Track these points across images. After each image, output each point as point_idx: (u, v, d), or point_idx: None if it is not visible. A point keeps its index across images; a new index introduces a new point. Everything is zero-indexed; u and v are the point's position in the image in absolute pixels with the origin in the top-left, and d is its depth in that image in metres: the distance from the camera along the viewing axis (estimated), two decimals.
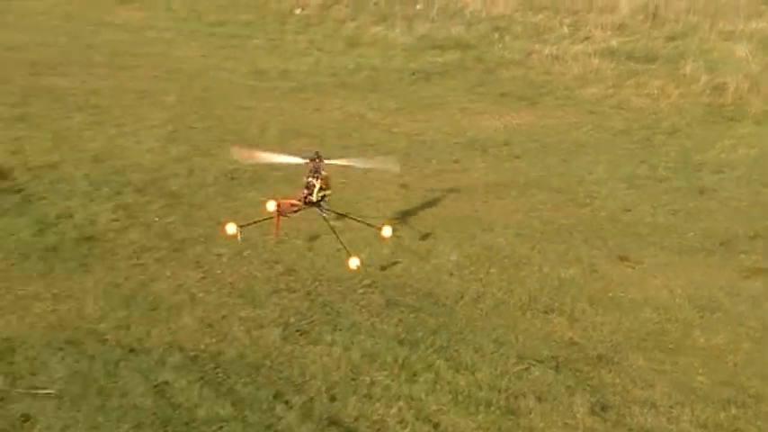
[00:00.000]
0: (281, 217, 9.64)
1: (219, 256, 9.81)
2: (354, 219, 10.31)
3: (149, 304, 8.55)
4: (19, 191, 11.09)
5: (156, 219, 10.67)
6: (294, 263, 9.80)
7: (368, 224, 10.20)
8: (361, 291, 9.23)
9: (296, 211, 9.66)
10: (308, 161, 9.44)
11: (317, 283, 9.34)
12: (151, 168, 12.45)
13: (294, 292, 9.11)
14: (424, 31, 22.88)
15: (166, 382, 7.20)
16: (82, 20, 23.88)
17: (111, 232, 10.15)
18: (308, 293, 9.09)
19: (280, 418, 6.84)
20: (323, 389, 7.32)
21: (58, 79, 16.96)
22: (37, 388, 6.92)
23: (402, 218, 11.29)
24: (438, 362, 7.84)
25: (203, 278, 9.23)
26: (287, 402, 7.07)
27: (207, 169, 12.63)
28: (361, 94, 17.93)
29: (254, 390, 7.23)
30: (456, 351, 8.08)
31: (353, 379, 7.54)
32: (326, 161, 9.46)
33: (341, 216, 10.20)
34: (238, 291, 9.03)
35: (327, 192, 9.60)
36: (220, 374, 7.43)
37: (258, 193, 11.86)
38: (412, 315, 8.77)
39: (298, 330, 8.30)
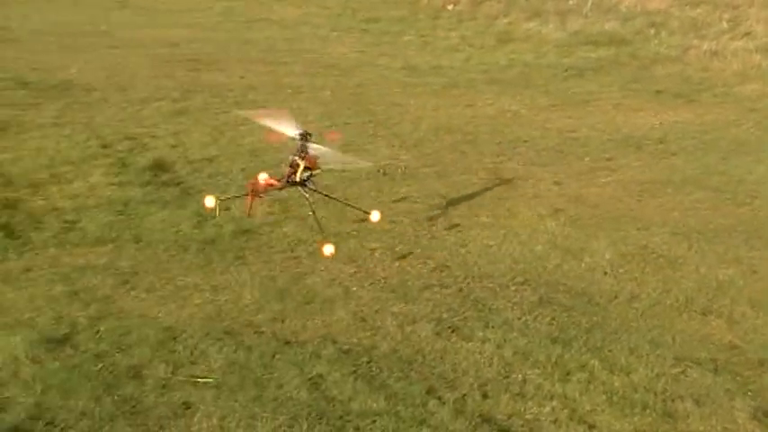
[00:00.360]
0: (257, 194, 9.46)
1: (372, 250, 9.87)
2: (340, 201, 10.32)
3: (304, 297, 8.65)
4: (179, 184, 11.36)
5: (311, 213, 10.79)
6: (446, 259, 9.80)
7: (356, 207, 10.24)
8: (513, 288, 9.18)
9: (280, 189, 9.51)
10: (296, 136, 9.21)
11: (468, 280, 9.30)
12: None
13: (446, 287, 9.10)
14: (577, 26, 22.66)
15: (321, 375, 7.28)
16: (239, 16, 24.43)
17: (266, 225, 10.31)
18: (460, 290, 9.08)
19: (432, 414, 6.85)
20: (475, 386, 7.30)
21: (217, 75, 17.33)
22: (197, 376, 7.08)
23: (554, 215, 11.18)
24: (592, 361, 7.74)
25: (356, 272, 9.29)
26: (439, 398, 7.08)
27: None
28: (514, 90, 17.85)
29: (407, 385, 7.26)
30: (610, 351, 7.97)
31: (506, 377, 7.50)
32: (311, 145, 9.22)
33: (329, 198, 10.14)
34: (391, 286, 9.06)
35: (316, 172, 9.37)
36: (374, 368, 7.48)
37: (410, 188, 11.92)
38: (565, 313, 8.68)
39: (450, 327, 8.29)
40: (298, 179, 9.11)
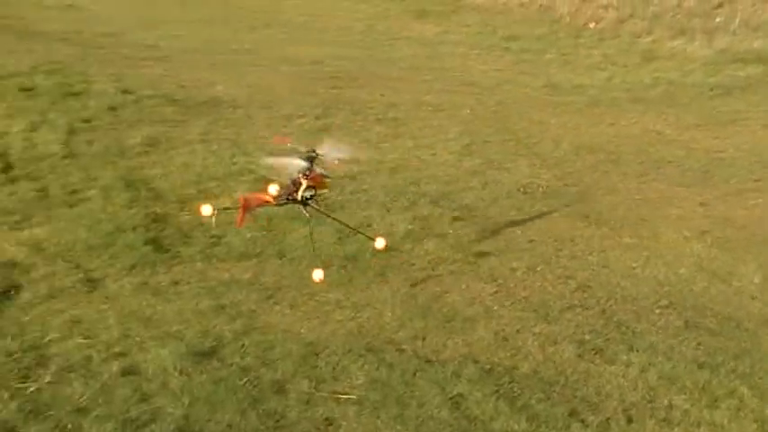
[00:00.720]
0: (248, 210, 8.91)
1: (513, 270, 9.81)
2: (343, 224, 9.95)
3: (444, 316, 8.65)
4: (322, 200, 11.45)
5: (451, 231, 10.80)
6: (588, 279, 9.68)
7: (360, 232, 9.91)
8: (657, 311, 9.01)
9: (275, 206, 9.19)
10: (304, 159, 8.84)
11: (611, 302, 9.18)
12: (446, 181, 12.61)
13: (588, 309, 9.00)
14: (724, 44, 22.17)
15: (462, 395, 7.25)
16: (379, 34, 24.60)
17: (407, 243, 10.33)
18: (603, 311, 8.96)
19: None
20: (619, 410, 7.20)
21: (358, 92, 17.48)
22: (339, 393, 7.13)
23: (700, 237, 10.95)
24: (741, 388, 7.55)
25: (497, 291, 9.25)
26: (582, 421, 7.00)
27: (500, 183, 12.68)
28: (658, 109, 17.55)
29: (549, 406, 7.19)
30: (760, 378, 7.76)
31: (651, 401, 7.37)
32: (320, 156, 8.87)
33: (332, 219, 9.86)
34: (532, 305, 9.00)
35: (321, 191, 9.09)
36: (515, 389, 7.42)
37: (551, 207, 11.83)
38: (712, 338, 8.49)
39: (593, 348, 8.19)
40: (299, 197, 8.82)
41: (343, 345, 7.89)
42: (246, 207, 8.71)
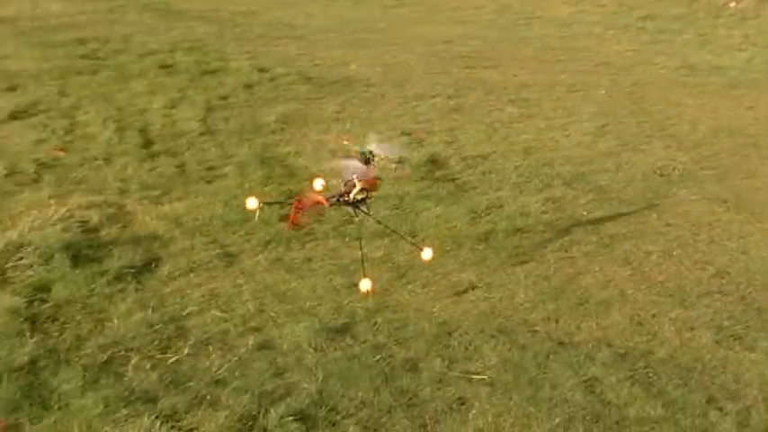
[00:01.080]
0: (301, 212, 8.49)
1: (648, 253, 9.65)
2: (393, 231, 9.23)
3: (578, 298, 8.55)
4: (453, 180, 11.46)
5: (585, 213, 10.67)
6: (726, 265, 9.46)
7: (409, 241, 9.15)
8: None
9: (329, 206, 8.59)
10: (360, 159, 8.32)
11: (750, 289, 8.96)
12: (579, 162, 12.46)
13: (727, 295, 8.80)
14: None
15: (596, 378, 7.17)
16: (513, 14, 24.41)
17: (540, 224, 10.24)
18: (742, 298, 8.75)
19: (713, 425, 6.63)
20: (759, 398, 7.02)
21: (491, 72, 17.37)
22: (471, 373, 7.11)
23: None
24: None
25: (632, 275, 9.10)
26: (721, 409, 6.85)
27: (636, 165, 12.48)
28: None
29: (686, 393, 7.06)
30: None
31: None
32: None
33: (382, 225, 9.18)
34: (668, 290, 8.84)
35: (371, 194, 8.43)
36: (650, 374, 7.30)
37: (689, 191, 11.59)
38: None
39: (731, 335, 8.01)
40: (350, 198, 8.27)
41: (475, 325, 7.86)
42: (299, 208, 8.43)
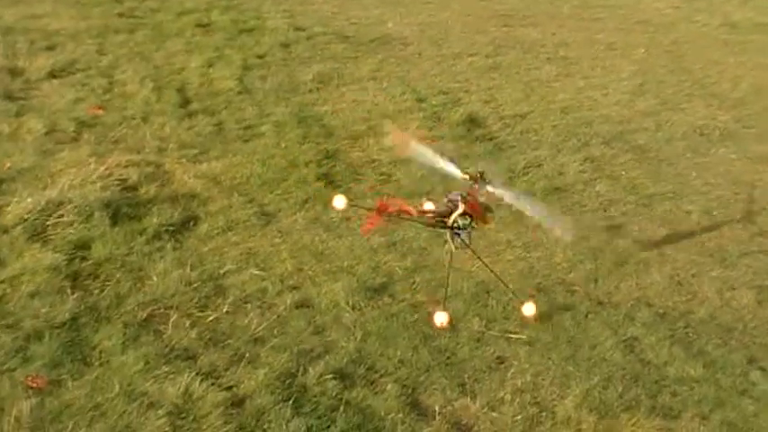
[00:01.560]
0: (383, 215, 6.99)
1: (688, 213, 9.58)
2: (493, 273, 7.60)
3: (617, 258, 8.50)
4: (491, 139, 11.39)
5: (623, 172, 10.59)
6: (767, 224, 9.40)
7: (509, 288, 7.56)
8: None
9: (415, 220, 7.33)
10: (467, 177, 6.92)
11: None
12: (618, 121, 12.36)
13: None
14: None
15: (635, 338, 7.14)
16: None
17: (579, 184, 10.19)
18: None
19: (754, 385, 6.60)
20: None
21: (529, 30, 17.20)
22: (509, 332, 7.10)
23: None
24: None
25: (671, 235, 9.03)
26: (762, 369, 6.82)
27: (675, 124, 12.37)
28: None
29: (727, 353, 7.03)
30: None
31: None
32: (489, 187, 6.91)
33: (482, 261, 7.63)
34: (708, 250, 8.77)
35: (473, 223, 7.00)
36: (690, 334, 7.27)
37: (729, 150, 11.48)
38: None
39: None
40: (449, 223, 6.95)
41: (514, 284, 7.83)
42: (382, 210, 6.96)
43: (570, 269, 8.23)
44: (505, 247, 8.58)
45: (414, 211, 6.99)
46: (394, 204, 7.05)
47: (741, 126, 12.40)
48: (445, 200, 7.01)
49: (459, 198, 6.89)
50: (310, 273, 7.79)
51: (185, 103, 11.49)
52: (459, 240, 7.04)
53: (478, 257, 7.50)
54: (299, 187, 9.40)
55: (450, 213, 6.92)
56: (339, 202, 7.00)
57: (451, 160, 7.07)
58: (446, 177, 7.25)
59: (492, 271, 7.50)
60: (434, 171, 7.22)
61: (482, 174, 6.87)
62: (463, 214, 6.89)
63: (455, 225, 6.94)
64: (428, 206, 7.13)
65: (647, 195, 9.95)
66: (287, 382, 6.15)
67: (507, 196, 6.97)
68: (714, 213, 9.61)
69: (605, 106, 12.92)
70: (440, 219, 6.99)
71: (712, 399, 6.44)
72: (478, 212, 6.93)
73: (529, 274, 8.11)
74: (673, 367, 6.79)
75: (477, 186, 6.85)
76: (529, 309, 7.16)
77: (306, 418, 5.76)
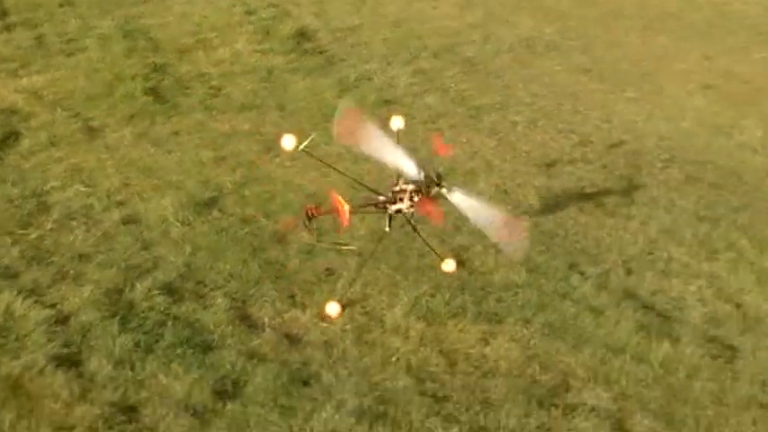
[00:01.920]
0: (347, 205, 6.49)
1: (515, 124, 9.75)
2: (427, 243, 6.89)
3: (445, 169, 8.57)
4: (322, 52, 11.33)
5: (452, 85, 10.69)
6: (590, 134, 9.64)
7: (433, 251, 6.92)
8: (659, 165, 9.00)
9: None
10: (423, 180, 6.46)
11: (612, 156, 9.16)
12: (447, 34, 12.42)
13: (590, 163, 8.98)
14: None
15: (462, 246, 7.26)
16: None
17: (408, 96, 10.24)
18: (604, 166, 8.94)
19: (575, 288, 6.81)
20: (619, 262, 7.24)
21: None
22: (340, 244, 7.13)
23: (703, 91, 10.88)
24: (741, 241, 7.59)
25: (498, 145, 9.20)
26: (582, 273, 7.03)
27: (502, 36, 12.50)
28: None
29: (549, 258, 7.22)
30: (760, 230, 7.79)
31: (650, 254, 7.41)
32: (445, 192, 6.46)
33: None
34: (533, 159, 8.96)
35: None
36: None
37: (553, 62, 11.70)
38: (713, 192, 8.50)
39: (593, 202, 8.19)
40: (392, 210, 6.55)
41: (343, 196, 7.83)
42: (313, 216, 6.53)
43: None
44: (335, 160, 8.56)
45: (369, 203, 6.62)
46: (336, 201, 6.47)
47: (565, 38, 12.61)
48: (396, 187, 6.53)
49: (412, 189, 6.45)
50: (138, 188, 7.66)
51: (3, 14, 11.05)
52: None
53: (422, 238, 6.83)
54: (126, 102, 9.20)
55: (395, 201, 6.50)
56: (288, 142, 6.62)
57: (409, 156, 6.50)
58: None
59: (424, 240, 6.84)
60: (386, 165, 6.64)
61: (440, 176, 6.50)
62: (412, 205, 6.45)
63: (401, 213, 6.52)
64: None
65: (475, 107, 10.07)
66: (113, 298, 6.06)
67: (463, 203, 6.47)
68: (539, 124, 9.79)
69: (435, 19, 12.96)
70: (386, 206, 6.55)
71: (535, 303, 6.60)
72: (427, 211, 6.46)
73: (359, 186, 8.11)
74: (498, 274, 6.93)
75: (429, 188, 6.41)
76: (449, 265, 6.69)
77: (133, 334, 5.70)
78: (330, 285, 6.60)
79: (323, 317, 6.21)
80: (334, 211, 6.47)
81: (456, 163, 8.69)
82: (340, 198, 6.46)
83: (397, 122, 6.63)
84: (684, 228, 7.77)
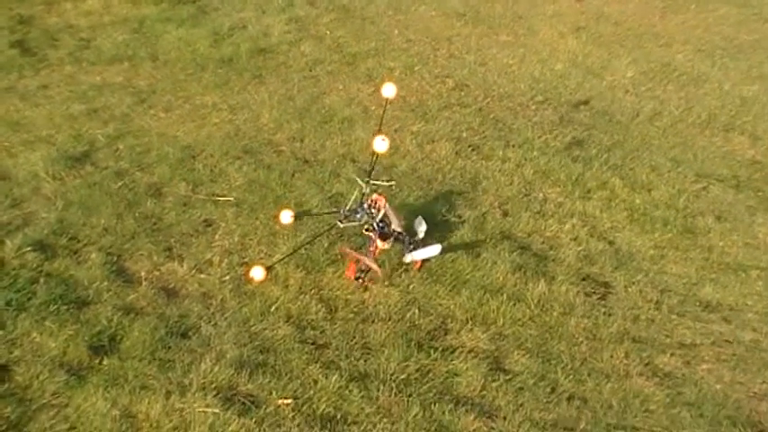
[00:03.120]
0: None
1: (391, 69, 9.75)
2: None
3: (322, 117, 8.58)
4: (194, 1, 11.16)
5: (328, 32, 10.64)
6: (465, 78, 9.70)
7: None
8: (533, 107, 9.10)
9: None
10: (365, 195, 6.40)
11: (488, 100, 9.23)
12: None
13: (465, 107, 9.03)
14: None
15: (340, 194, 7.25)
16: None
17: (283, 45, 10.16)
18: (480, 109, 9.00)
19: (452, 231, 6.86)
20: (495, 204, 7.30)
21: None
22: (217, 195, 7.07)
23: (575, 33, 11.01)
24: (613, 180, 7.73)
25: (375, 92, 9.18)
26: (459, 216, 7.08)
27: None
28: None
29: (427, 203, 7.25)
30: (631, 169, 7.95)
31: (526, 195, 7.50)
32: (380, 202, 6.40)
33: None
34: (410, 105, 8.98)
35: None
36: (394, 187, 7.46)
37: (428, 7, 11.70)
38: (586, 132, 8.63)
39: (470, 146, 8.25)
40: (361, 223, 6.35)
41: (220, 147, 7.79)
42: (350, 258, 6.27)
43: (276, 130, 8.24)
44: (211, 111, 8.49)
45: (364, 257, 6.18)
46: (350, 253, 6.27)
47: None
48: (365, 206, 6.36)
49: (371, 228, 6.25)
50: (6, 144, 7.47)
51: None
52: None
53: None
54: None
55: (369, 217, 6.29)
56: (286, 216, 6.57)
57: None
58: None
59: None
60: None
61: (399, 231, 6.32)
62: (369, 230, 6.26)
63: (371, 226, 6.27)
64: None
65: (351, 54, 10.04)
66: None
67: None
68: (416, 69, 9.80)
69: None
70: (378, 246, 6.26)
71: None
72: (372, 251, 6.22)
73: (236, 136, 8.06)
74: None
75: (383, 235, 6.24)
76: (257, 273, 6.14)
77: (4, 292, 5.57)
78: (208, 237, 6.54)
79: (200, 268, 6.16)
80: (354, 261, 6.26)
81: (332, 111, 8.68)
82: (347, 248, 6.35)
83: (388, 90, 6.27)
84: (559, 168, 7.88)
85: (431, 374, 5.43)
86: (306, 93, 9.06)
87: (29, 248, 6.05)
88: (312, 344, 5.57)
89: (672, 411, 5.36)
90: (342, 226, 6.38)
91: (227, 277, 6.11)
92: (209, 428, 4.84)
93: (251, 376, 5.19)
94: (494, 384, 5.40)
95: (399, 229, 6.35)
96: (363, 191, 6.35)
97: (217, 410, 4.91)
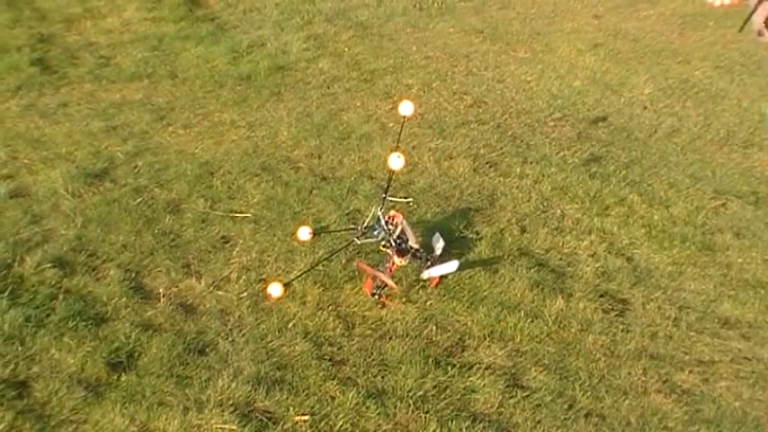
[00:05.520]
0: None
1: (409, 86, 9.78)
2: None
3: (340, 134, 8.60)
4: (213, 19, 11.24)
5: (346, 49, 10.68)
6: (483, 95, 9.70)
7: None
8: (551, 124, 9.10)
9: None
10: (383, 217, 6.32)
11: (506, 116, 9.23)
12: None
13: (483, 123, 9.03)
14: None
15: (358, 210, 7.27)
16: None
17: (302, 62, 10.21)
18: (498, 126, 9.00)
19: (470, 248, 6.86)
20: (513, 220, 7.29)
21: None
22: (235, 211, 7.10)
23: (593, 50, 11.01)
24: (631, 196, 7.71)
25: (393, 108, 9.20)
26: (477, 233, 7.08)
27: (395, 0, 12.52)
28: None
29: (445, 220, 7.26)
30: (649, 186, 7.94)
31: (543, 211, 7.49)
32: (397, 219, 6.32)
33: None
34: (428, 122, 9.00)
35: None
36: (412, 204, 7.47)
37: (446, 24, 11.74)
38: (604, 149, 8.62)
39: (487, 162, 8.25)
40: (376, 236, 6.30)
41: (238, 164, 7.82)
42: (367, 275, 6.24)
43: (294, 146, 8.26)
44: (229, 127, 8.53)
45: (381, 274, 6.15)
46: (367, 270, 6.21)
47: (458, 0, 12.68)
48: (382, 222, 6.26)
49: (387, 243, 6.24)
50: (26, 161, 7.53)
51: None
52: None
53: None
54: (12, 73, 9.04)
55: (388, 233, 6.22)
56: (303, 233, 6.31)
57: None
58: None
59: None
60: None
61: (421, 252, 6.33)
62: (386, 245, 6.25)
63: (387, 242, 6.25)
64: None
65: (369, 71, 10.07)
66: (2, 273, 5.94)
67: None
68: (434, 86, 9.83)
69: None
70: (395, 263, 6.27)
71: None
72: (388, 271, 6.22)
73: (254, 153, 8.09)
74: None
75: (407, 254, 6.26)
76: (275, 289, 6.11)
77: (23, 309, 5.60)
78: (226, 253, 6.56)
79: (218, 285, 6.18)
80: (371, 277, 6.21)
81: (350, 127, 8.70)
82: (364, 264, 6.30)
83: (406, 108, 6.27)
84: (576, 185, 7.87)
85: (448, 391, 5.42)
86: (324, 109, 9.09)
87: (48, 265, 6.09)
88: (329, 360, 5.58)
89: (690, 429, 5.34)
90: (359, 243, 6.39)
91: (245, 294, 6.13)
92: None
93: (268, 392, 5.20)
94: (511, 401, 5.38)
95: (416, 246, 6.36)
96: (380, 208, 6.35)
97: (234, 427, 4.92)
